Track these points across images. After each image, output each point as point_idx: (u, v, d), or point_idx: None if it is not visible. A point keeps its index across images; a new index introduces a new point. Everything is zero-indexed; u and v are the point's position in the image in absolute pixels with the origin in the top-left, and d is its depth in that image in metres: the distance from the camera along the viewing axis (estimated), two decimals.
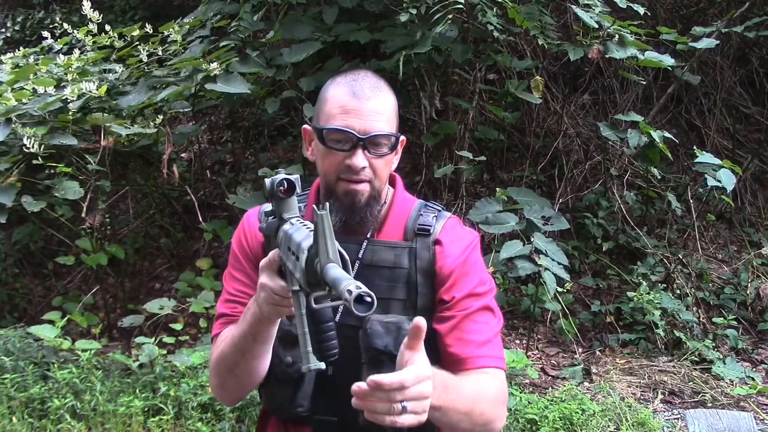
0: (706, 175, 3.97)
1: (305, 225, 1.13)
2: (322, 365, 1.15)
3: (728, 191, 4.01)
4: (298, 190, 1.21)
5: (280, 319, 1.33)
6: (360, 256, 1.42)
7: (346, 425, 1.40)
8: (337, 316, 1.41)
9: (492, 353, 1.42)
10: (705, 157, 3.99)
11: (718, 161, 3.99)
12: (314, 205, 1.00)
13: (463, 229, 1.52)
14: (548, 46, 4.00)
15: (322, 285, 0.99)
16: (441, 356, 1.42)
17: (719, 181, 3.87)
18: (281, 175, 1.19)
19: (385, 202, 1.49)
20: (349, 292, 0.90)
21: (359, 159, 1.36)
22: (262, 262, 1.24)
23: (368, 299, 0.91)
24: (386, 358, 1.33)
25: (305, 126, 1.48)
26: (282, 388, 1.45)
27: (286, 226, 1.15)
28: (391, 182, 1.53)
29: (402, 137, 1.48)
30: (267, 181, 1.20)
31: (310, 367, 1.15)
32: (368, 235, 1.44)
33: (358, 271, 1.41)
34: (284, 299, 1.21)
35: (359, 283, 0.91)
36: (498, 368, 1.42)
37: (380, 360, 1.35)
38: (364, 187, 1.39)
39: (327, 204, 0.99)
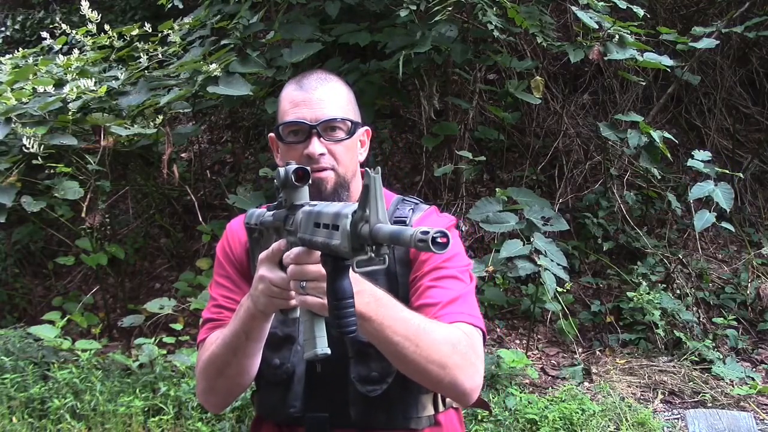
0: (696, 214, 3.84)
1: (334, 203, 1.14)
2: (328, 351, 1.15)
3: (728, 212, 3.89)
4: (310, 180, 1.22)
5: (272, 317, 1.32)
6: None
7: (338, 420, 1.41)
8: None
9: (458, 310, 1.37)
10: (698, 189, 3.86)
11: (711, 186, 3.85)
12: (366, 168, 1.00)
13: (439, 215, 1.51)
14: (548, 46, 4.00)
15: (365, 249, 0.99)
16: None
17: (717, 202, 3.77)
18: (294, 165, 1.21)
19: None
20: (425, 233, 0.88)
21: (315, 146, 1.39)
22: (263, 255, 1.24)
23: (443, 239, 0.88)
24: (372, 350, 1.33)
25: (270, 134, 1.51)
26: (273, 391, 1.46)
27: (307, 208, 1.15)
28: None
29: (365, 128, 1.50)
30: (280, 170, 1.21)
31: (317, 353, 1.15)
32: None
33: None
34: (283, 291, 1.21)
35: (427, 227, 0.90)
36: (466, 323, 1.36)
37: (367, 353, 1.36)
38: (328, 175, 1.41)
39: (378, 168, 1.00)
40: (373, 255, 0.99)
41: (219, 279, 1.54)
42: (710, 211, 3.85)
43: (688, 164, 4.03)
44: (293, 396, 1.43)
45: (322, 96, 1.42)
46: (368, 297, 1.18)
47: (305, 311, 1.17)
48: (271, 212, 1.30)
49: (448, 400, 1.49)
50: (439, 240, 0.88)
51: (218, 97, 4.23)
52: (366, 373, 1.39)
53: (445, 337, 1.28)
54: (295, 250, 1.14)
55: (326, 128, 1.41)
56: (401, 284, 1.42)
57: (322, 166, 1.40)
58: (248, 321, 1.30)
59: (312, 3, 4.43)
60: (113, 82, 4.03)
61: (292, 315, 1.26)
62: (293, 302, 1.22)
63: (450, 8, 3.61)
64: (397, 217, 1.46)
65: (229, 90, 3.70)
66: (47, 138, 3.65)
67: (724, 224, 4.05)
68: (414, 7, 3.68)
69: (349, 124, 1.43)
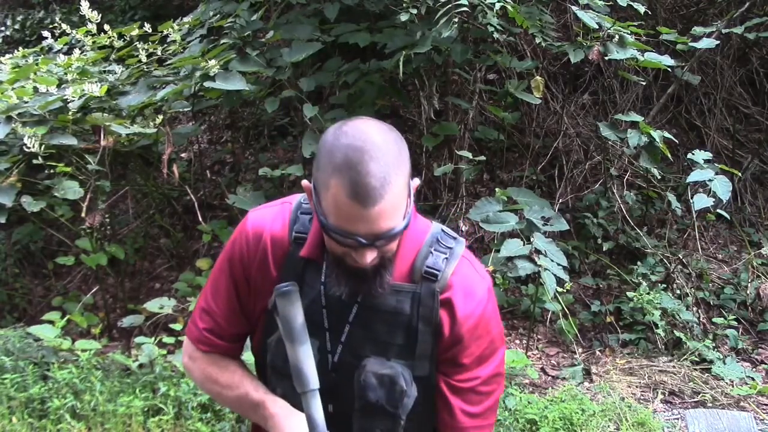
0: (694, 196, 3.90)
1: None
2: None
3: (724, 202, 3.94)
4: None
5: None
6: (359, 299, 1.34)
7: None
8: (336, 356, 1.38)
9: (482, 424, 1.40)
10: (696, 174, 3.90)
11: (710, 173, 3.88)
12: None
13: (475, 276, 1.38)
14: (547, 46, 4.00)
15: None
16: (437, 408, 1.40)
17: (714, 193, 3.82)
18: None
19: None
20: None
21: (366, 258, 1.23)
22: None
23: None
24: (379, 410, 1.33)
25: (305, 183, 1.30)
26: None
27: None
28: None
29: (416, 184, 1.29)
30: None
31: None
32: None
33: (357, 312, 1.35)
34: None
35: None
36: None
37: (373, 411, 1.34)
38: (372, 256, 1.25)
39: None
40: None
41: (217, 287, 1.47)
42: (713, 210, 3.89)
43: (688, 157, 4.06)
44: None
45: (383, 209, 1.17)
46: None
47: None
48: None
49: None
50: None
51: (218, 97, 4.24)
52: (369, 429, 1.37)
53: None
54: None
55: (381, 240, 1.23)
56: (420, 342, 1.34)
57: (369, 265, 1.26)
58: (257, 421, 1.40)
59: (312, 4, 4.43)
60: (110, 76, 4.04)
61: None
62: None
63: (456, 19, 3.60)
64: (429, 266, 1.33)
65: (225, 85, 3.71)
66: (47, 138, 3.65)
67: (720, 212, 4.15)
68: (414, 11, 3.68)
69: (404, 227, 1.24)
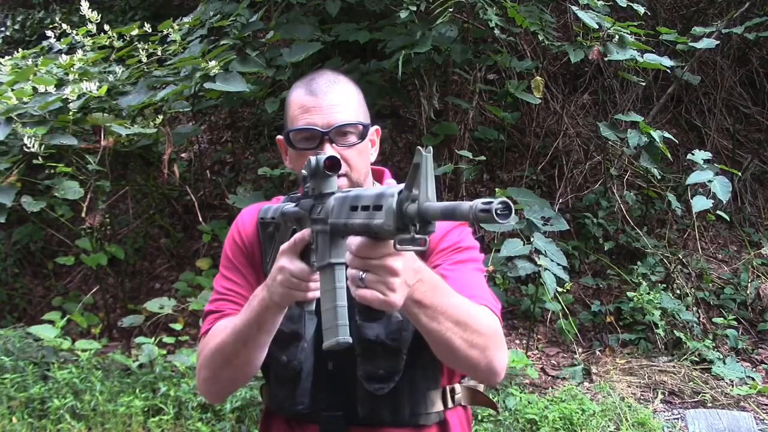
0: (694, 198, 3.91)
1: (371, 187, 1.16)
2: (350, 339, 1.12)
3: (724, 203, 3.94)
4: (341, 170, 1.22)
5: (285, 309, 1.31)
6: None
7: (352, 418, 1.41)
8: None
9: (482, 294, 1.37)
10: (696, 175, 3.92)
11: (710, 174, 3.90)
12: (418, 147, 0.98)
13: None
14: (548, 46, 4.00)
15: (408, 228, 0.97)
16: None
17: (714, 194, 3.82)
18: (324, 154, 1.21)
19: None
20: (487, 203, 0.88)
21: (328, 153, 1.32)
22: (284, 246, 1.22)
23: (506, 211, 0.89)
24: (379, 348, 1.34)
25: (278, 137, 1.48)
26: (281, 386, 1.46)
27: (340, 194, 1.14)
28: (379, 179, 1.52)
29: (375, 127, 1.48)
30: (311, 159, 1.20)
31: (339, 341, 1.11)
32: None
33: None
34: (302, 283, 1.20)
35: (487, 198, 0.89)
36: (490, 310, 1.36)
37: (374, 350, 1.36)
38: (342, 182, 1.37)
39: (430, 147, 0.99)
40: (416, 235, 0.97)
41: (225, 272, 1.53)
42: (713, 210, 3.90)
43: (688, 157, 4.06)
44: (301, 392, 1.43)
45: (333, 100, 1.39)
46: (427, 285, 1.16)
47: (329, 299, 1.13)
48: (293, 203, 1.29)
49: (457, 396, 1.49)
50: (501, 212, 0.88)
51: (218, 97, 4.24)
52: (373, 370, 1.39)
53: (486, 321, 1.29)
54: (357, 239, 1.08)
55: (338, 134, 1.38)
56: None
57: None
58: (262, 312, 1.29)
59: (312, 2, 4.43)
60: (111, 76, 4.04)
61: (308, 307, 1.25)
62: (310, 295, 1.21)
63: (451, 9, 3.61)
64: None
65: (226, 86, 3.71)
66: (47, 138, 3.65)
67: (719, 212, 4.17)
68: (414, 8, 3.68)
69: (361, 127, 1.41)
